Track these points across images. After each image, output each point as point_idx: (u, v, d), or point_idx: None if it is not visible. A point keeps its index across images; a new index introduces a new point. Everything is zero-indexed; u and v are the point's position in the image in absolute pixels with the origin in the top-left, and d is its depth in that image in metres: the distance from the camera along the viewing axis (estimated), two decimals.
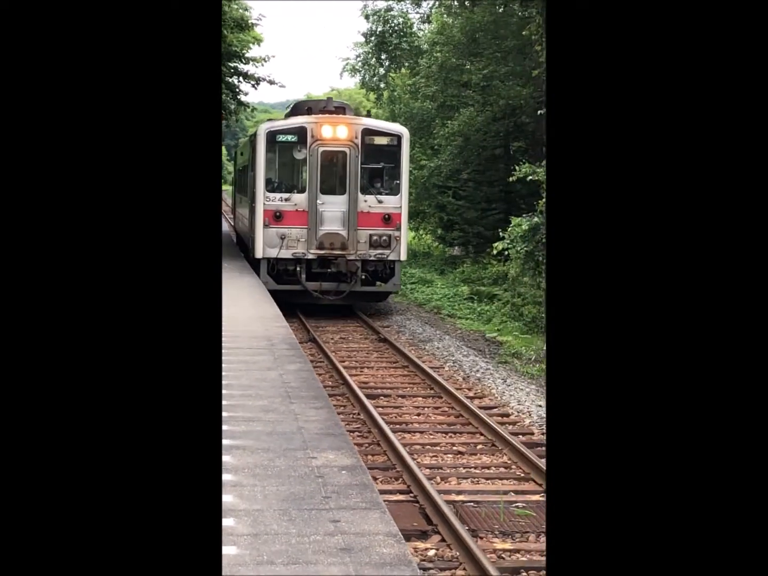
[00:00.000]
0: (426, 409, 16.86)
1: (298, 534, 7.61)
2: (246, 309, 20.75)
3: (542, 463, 12.54)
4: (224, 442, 9.55)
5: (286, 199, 26.14)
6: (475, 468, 13.52)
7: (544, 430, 14.81)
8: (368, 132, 26.22)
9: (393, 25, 51.55)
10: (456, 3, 45.54)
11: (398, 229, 26.39)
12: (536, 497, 12.18)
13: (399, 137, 26.45)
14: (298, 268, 26.06)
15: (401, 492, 12.11)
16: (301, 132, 26.11)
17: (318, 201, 25.94)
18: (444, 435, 15.18)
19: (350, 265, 25.97)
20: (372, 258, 26.21)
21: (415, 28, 51.93)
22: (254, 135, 27.33)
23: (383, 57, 53.16)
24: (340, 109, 27.59)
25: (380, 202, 26.36)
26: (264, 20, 44.02)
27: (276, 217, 25.99)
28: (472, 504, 11.89)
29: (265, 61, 42.10)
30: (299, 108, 28.76)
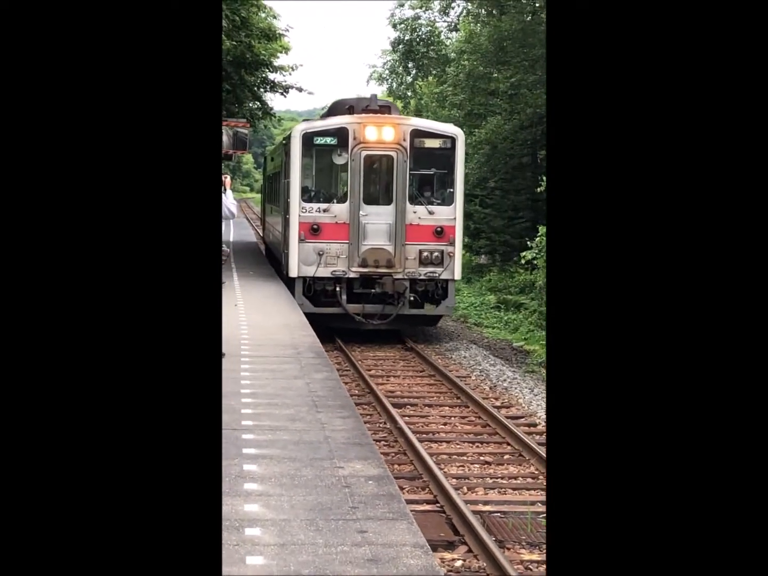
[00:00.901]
0: (452, 418, 16.79)
1: (324, 544, 7.47)
2: (272, 317, 20.24)
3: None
4: (250, 451, 9.97)
5: (325, 210, 23.10)
6: (502, 478, 13.49)
7: None
8: (418, 133, 23.20)
9: (420, 33, 51.70)
10: (484, 11, 45.92)
11: (452, 243, 23.25)
12: None
13: (453, 139, 23.37)
14: (338, 289, 23.13)
15: (428, 502, 12.08)
16: (341, 134, 23.04)
17: (361, 212, 22.99)
18: (471, 445, 15.16)
19: (397, 285, 23.09)
20: (422, 277, 23.21)
21: (442, 37, 52.36)
22: (288, 138, 24.49)
23: (410, 65, 53.63)
24: (385, 108, 24.55)
25: (431, 213, 23.23)
26: (291, 31, 44.60)
27: (313, 230, 22.99)
28: (499, 514, 11.84)
29: (293, 70, 40.74)
30: (339, 107, 25.68)
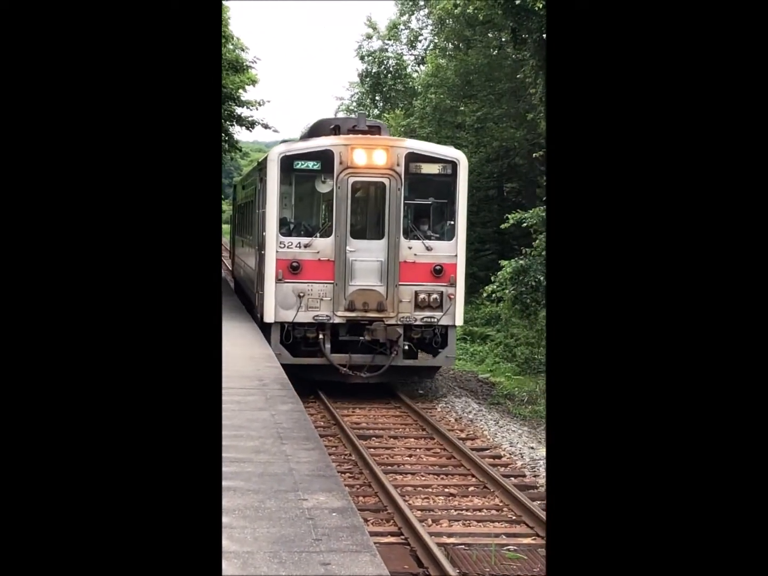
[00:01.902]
0: (418, 450, 16.67)
1: None
2: (237, 348, 19.03)
3: (534, 505, 12.84)
4: None
5: (306, 245, 19.97)
6: (467, 510, 13.42)
7: (536, 472, 15.55)
8: (414, 157, 20.11)
9: (388, 66, 50.47)
10: (450, 45, 45.66)
11: (452, 284, 20.17)
12: (528, 540, 12.20)
13: (454, 164, 20.32)
14: (321, 336, 20.03)
15: (392, 534, 12.02)
16: (326, 157, 19.95)
17: (348, 248, 19.95)
18: (436, 476, 15.13)
19: (390, 331, 19.88)
20: (418, 322, 20.15)
21: (409, 70, 52.04)
22: (263, 162, 21.53)
23: (378, 98, 52.99)
24: (375, 129, 21.46)
25: (429, 249, 20.20)
26: (259, 63, 43.68)
27: (292, 268, 19.86)
28: (463, 546, 11.75)
29: (260, 105, 39.84)
30: (321, 128, 22.59)
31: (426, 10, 48.88)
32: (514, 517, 13.02)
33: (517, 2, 26.51)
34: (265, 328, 20.16)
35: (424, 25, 50.28)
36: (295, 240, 19.93)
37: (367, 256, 19.95)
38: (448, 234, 20.38)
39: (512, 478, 14.86)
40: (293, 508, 9.04)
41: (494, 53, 39.49)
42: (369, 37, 50.90)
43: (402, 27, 50.35)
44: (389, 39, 50.70)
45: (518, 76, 33.38)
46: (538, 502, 13.29)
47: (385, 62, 50.21)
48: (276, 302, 19.73)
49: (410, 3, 49.50)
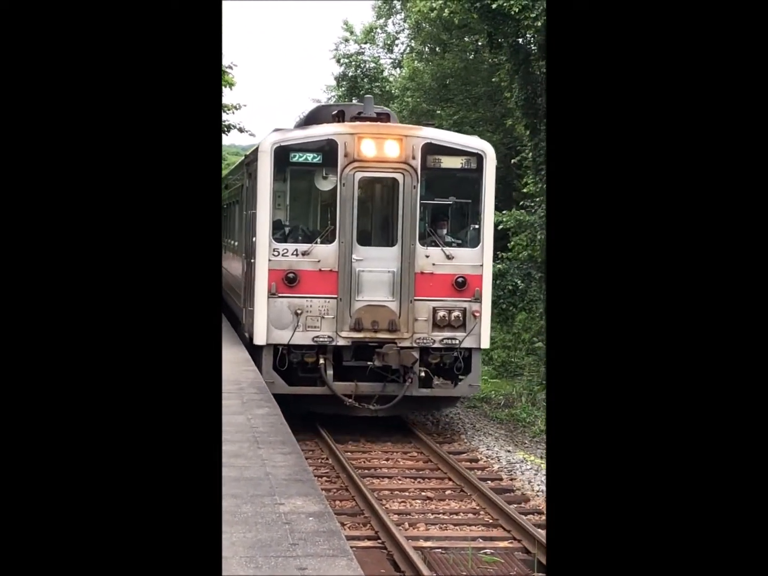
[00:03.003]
0: (395, 454, 16.41)
1: None
2: None
3: (511, 509, 12.87)
4: None
5: (304, 253, 16.64)
6: (444, 514, 13.30)
7: (513, 476, 15.57)
8: (432, 149, 16.72)
9: (364, 69, 49.04)
10: (427, 49, 44.46)
11: (477, 299, 16.82)
12: (504, 543, 12.14)
13: (480, 157, 16.85)
14: (321, 361, 16.75)
15: (369, 538, 11.94)
16: (328, 148, 16.59)
17: (354, 256, 16.68)
18: (412, 480, 14.96)
19: (404, 356, 16.57)
20: (437, 344, 16.85)
21: (386, 73, 50.49)
22: (252, 155, 18.21)
23: (354, 101, 50.20)
24: (384, 117, 17.90)
25: (450, 257, 16.81)
26: (235, 68, 43.95)
27: (288, 280, 16.56)
28: (440, 550, 11.60)
29: (237, 109, 38.03)
30: (321, 114, 18.92)
31: (402, 14, 47.43)
32: (490, 521, 12.87)
33: (493, 7, 25.47)
34: (255, 351, 16.95)
35: (400, 28, 48.88)
36: (291, 247, 16.62)
37: (376, 266, 16.73)
38: (472, 240, 17.12)
39: (489, 482, 14.70)
40: (270, 513, 8.96)
41: (470, 57, 38.86)
42: (345, 40, 49.65)
43: (378, 30, 49.16)
44: (366, 42, 49.53)
45: (494, 80, 32.68)
46: (515, 506, 13.37)
47: (361, 65, 48.99)
48: (268, 321, 16.53)
49: (387, 7, 47.98)
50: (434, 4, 32.75)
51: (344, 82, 48.68)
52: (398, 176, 16.55)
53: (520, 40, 30.91)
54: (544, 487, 15.60)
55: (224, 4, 6.89)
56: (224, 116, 38.74)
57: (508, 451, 16.67)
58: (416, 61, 43.57)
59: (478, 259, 16.73)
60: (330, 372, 16.61)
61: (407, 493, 14.09)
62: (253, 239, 16.86)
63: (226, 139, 59.28)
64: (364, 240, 16.88)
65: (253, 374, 16.08)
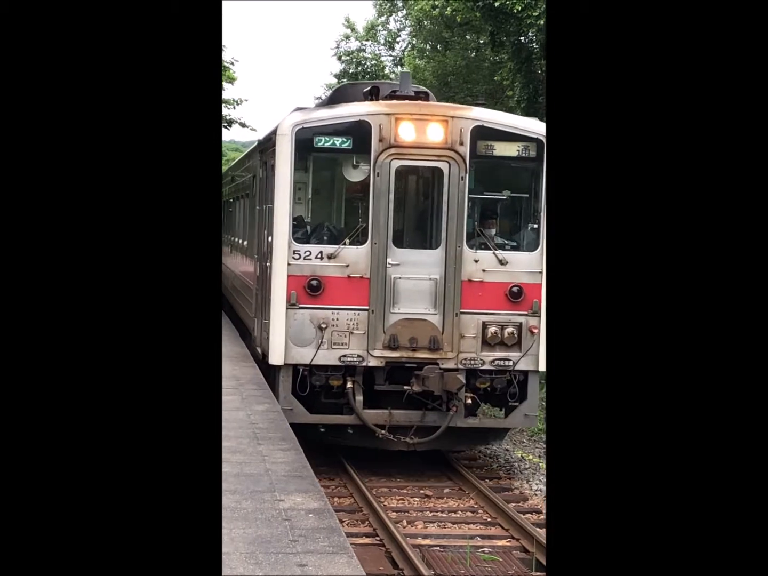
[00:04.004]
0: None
1: None
2: None
3: (509, 508, 12.78)
4: None
5: (331, 256, 13.66)
6: (442, 512, 13.01)
7: (511, 475, 15.48)
8: (484, 133, 13.76)
9: (366, 66, 47.68)
10: (428, 47, 43.42)
11: (535, 313, 13.85)
12: (502, 542, 12.05)
13: (540, 143, 13.88)
14: (350, 385, 13.81)
15: (367, 535, 11.81)
16: (360, 131, 13.57)
17: (389, 260, 13.70)
18: (410, 478, 14.56)
19: (448, 379, 13.52)
20: (486, 366, 13.84)
21: (387, 71, 48.63)
22: (267, 141, 15.36)
23: None
24: (423, 96, 14.90)
25: (504, 263, 13.77)
26: (237, 64, 43.29)
27: (311, 288, 13.52)
28: (438, 548, 11.50)
29: (238, 104, 37.36)
30: (349, 94, 15.77)
31: (404, 12, 46.37)
32: (489, 519, 12.75)
33: (496, 5, 25.19)
34: (270, 372, 14.34)
35: (402, 26, 48.06)
36: (314, 248, 13.87)
37: (416, 272, 14.00)
38: (530, 242, 14.41)
39: (487, 480, 14.35)
40: (270, 509, 8.82)
41: (472, 55, 37.98)
42: (347, 37, 48.93)
43: (380, 28, 48.06)
44: (367, 40, 48.64)
45: (495, 78, 32.06)
46: (513, 504, 13.29)
47: (363, 63, 48.15)
48: (287, 336, 13.79)
49: (388, 4, 47.10)
50: (436, 2, 31.61)
51: (345, 79, 47.42)
52: (443, 165, 13.82)
53: (523, 38, 30.28)
54: (542, 486, 14.93)
55: (226, 2, 6.76)
56: (225, 111, 38.65)
57: (507, 450, 16.62)
58: (417, 59, 42.59)
59: (536, 265, 14.02)
60: (359, 398, 14.01)
61: (405, 491, 13.88)
62: (269, 239, 14.22)
63: (227, 135, 60.79)
64: (402, 241, 14.30)
65: (253, 370, 15.63)
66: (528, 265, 14.02)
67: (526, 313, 14.02)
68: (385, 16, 48.19)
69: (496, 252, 13.88)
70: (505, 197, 14.71)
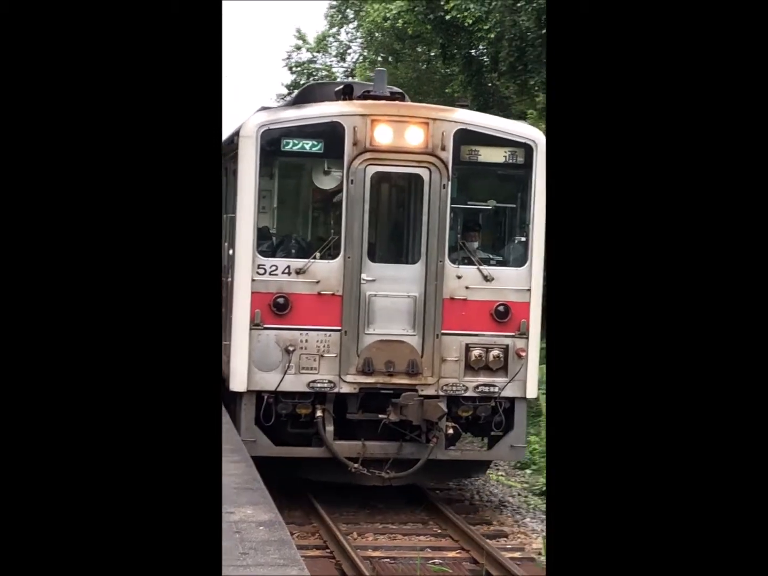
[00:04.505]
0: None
1: None
2: None
3: (459, 518, 12.76)
4: None
5: (299, 271, 12.38)
6: (392, 524, 13.00)
7: (461, 486, 15.65)
8: (469, 137, 12.66)
9: (317, 77, 46.29)
10: (380, 58, 41.90)
11: (524, 334, 12.68)
12: (452, 554, 12.05)
13: (529, 148, 12.74)
14: (319, 413, 12.54)
15: (318, 547, 11.83)
16: (332, 134, 12.40)
17: (364, 275, 12.54)
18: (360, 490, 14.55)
19: (428, 407, 12.39)
20: (470, 393, 12.65)
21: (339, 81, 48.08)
22: (230, 142, 13.74)
23: None
24: (399, 97, 13.72)
25: (489, 279, 12.60)
26: None
27: (277, 307, 12.27)
28: (388, 560, 11.50)
29: None
30: (318, 93, 14.54)
31: (355, 23, 45.69)
32: (439, 531, 12.72)
33: (447, 18, 25.40)
34: (231, 399, 13.02)
35: (353, 37, 47.12)
36: (281, 263, 12.71)
37: (393, 290, 12.90)
38: (517, 257, 13.35)
39: (438, 492, 14.64)
40: None
41: (423, 67, 37.51)
42: (298, 48, 47.90)
43: (331, 39, 47.37)
44: (318, 51, 47.94)
45: (447, 90, 31.85)
46: (464, 515, 13.24)
47: (314, 74, 47.46)
48: (250, 360, 12.68)
49: (340, 16, 46.36)
50: (388, 14, 31.52)
51: (296, 91, 47.15)
52: (423, 172, 12.77)
53: (473, 51, 30.01)
54: (492, 498, 15.18)
55: (225, 3, 6.71)
56: None
57: None
58: (368, 71, 41.75)
59: (524, 282, 12.95)
60: (330, 428, 12.91)
61: (356, 504, 14.13)
62: (230, 252, 13.15)
63: None
64: (378, 255, 13.32)
65: None
66: (516, 281, 13.02)
67: (513, 334, 13.00)
68: (337, 27, 47.02)
69: (480, 267, 12.88)
70: (490, 207, 13.76)
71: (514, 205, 13.55)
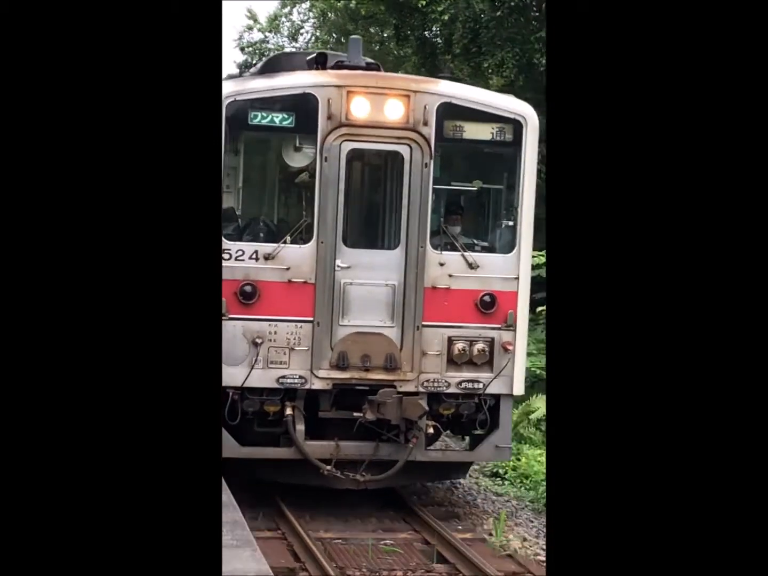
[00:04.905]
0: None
1: None
2: None
3: (412, 501, 13.26)
4: None
5: (268, 257, 11.42)
6: (344, 506, 13.65)
7: None
8: (453, 111, 11.64)
9: (269, 57, 42.02)
10: (332, 39, 41.42)
11: (510, 325, 11.69)
12: (404, 535, 12.21)
13: (518, 124, 11.67)
14: (289, 411, 11.57)
15: (269, 529, 11.83)
16: (304, 106, 11.36)
17: (339, 262, 11.58)
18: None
19: (407, 405, 11.42)
20: (452, 389, 11.76)
21: None
22: None
23: None
24: (374, 67, 12.68)
25: (474, 267, 11.61)
26: None
27: (244, 295, 11.31)
28: (340, 541, 11.64)
29: None
30: (286, 63, 13.48)
31: (308, 3, 45.10)
32: (392, 513, 12.99)
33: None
34: None
35: (306, 18, 46.26)
36: (248, 248, 11.69)
37: (370, 277, 11.94)
38: (505, 243, 12.36)
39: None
40: None
41: (376, 49, 36.01)
42: (249, 28, 47.02)
43: (283, 19, 46.50)
44: (270, 31, 46.90)
45: (399, 72, 31.75)
46: (415, 497, 13.65)
47: (266, 54, 45.73)
48: None
49: None
50: None
51: (248, 70, 46.36)
52: (404, 149, 11.73)
53: (427, 33, 30.04)
54: (446, 481, 14.92)
55: (225, 2, 6.93)
56: None
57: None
58: (321, 50, 43.02)
59: (512, 270, 11.98)
60: (301, 427, 11.91)
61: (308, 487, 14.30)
62: None
63: None
64: (354, 240, 12.30)
65: None
66: (502, 269, 12.03)
67: (499, 326, 12.04)
68: (289, 7, 46.38)
69: (465, 254, 11.89)
70: (476, 188, 12.87)
71: (501, 187, 12.71)
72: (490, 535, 12.21)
